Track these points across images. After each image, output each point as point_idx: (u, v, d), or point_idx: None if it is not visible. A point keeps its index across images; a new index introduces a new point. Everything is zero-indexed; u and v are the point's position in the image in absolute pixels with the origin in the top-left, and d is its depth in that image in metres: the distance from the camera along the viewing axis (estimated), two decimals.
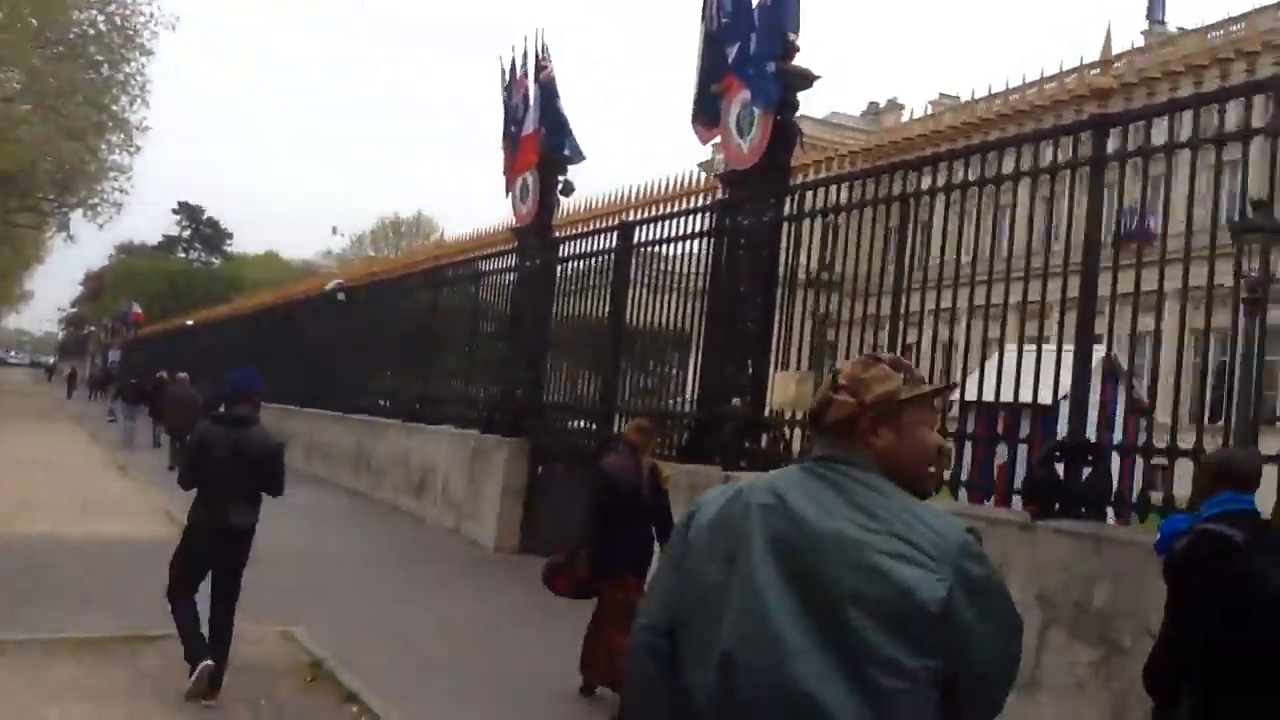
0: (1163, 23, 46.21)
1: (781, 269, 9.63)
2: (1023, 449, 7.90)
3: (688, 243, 10.92)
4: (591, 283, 12.55)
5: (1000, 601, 1.98)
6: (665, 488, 7.21)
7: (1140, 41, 40.34)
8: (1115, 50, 7.57)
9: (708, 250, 10.54)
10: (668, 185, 11.41)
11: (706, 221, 10.60)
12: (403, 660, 7.29)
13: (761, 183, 9.75)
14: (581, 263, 12.83)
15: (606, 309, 12.11)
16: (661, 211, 11.36)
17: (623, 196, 12.07)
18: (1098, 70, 7.40)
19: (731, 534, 2.02)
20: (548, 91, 13.31)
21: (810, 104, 9.76)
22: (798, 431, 9.09)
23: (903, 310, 8.38)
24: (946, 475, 7.71)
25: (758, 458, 9.34)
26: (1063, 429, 9.25)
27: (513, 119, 14.17)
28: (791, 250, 9.55)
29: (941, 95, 46.33)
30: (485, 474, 13.51)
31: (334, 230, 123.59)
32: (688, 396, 10.53)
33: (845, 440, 2.06)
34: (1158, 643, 3.72)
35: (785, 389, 9.25)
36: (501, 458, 13.20)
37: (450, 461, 14.81)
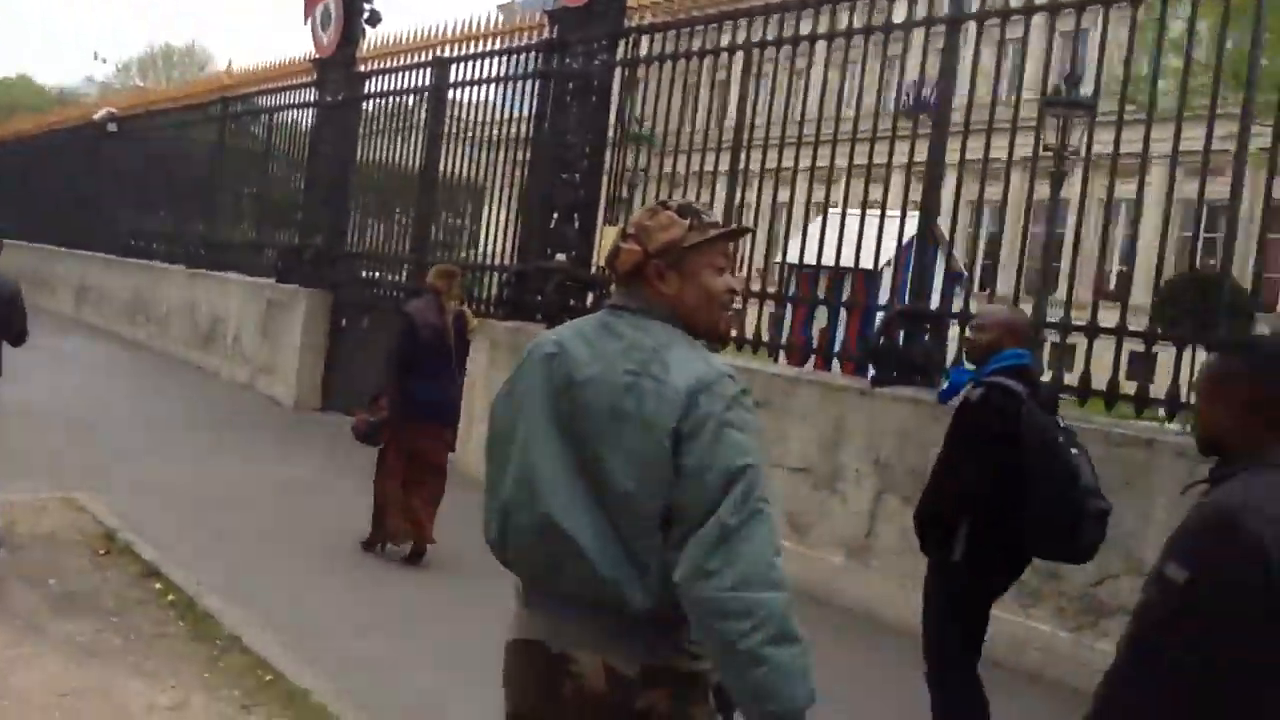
0: None
1: (613, 119, 9.14)
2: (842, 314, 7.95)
3: (511, 85, 10.23)
4: (402, 123, 11.68)
5: (723, 444, 1.93)
6: (470, 336, 7.02)
7: None
8: None
9: (533, 94, 9.89)
10: (489, 21, 10.61)
11: (532, 63, 9.92)
12: (202, 528, 6.68)
13: (595, 23, 9.13)
14: (391, 101, 11.90)
15: (419, 153, 11.31)
16: (482, 49, 10.58)
17: (439, 30, 11.17)
18: None
19: (520, 383, 2.14)
20: None
21: None
22: None
23: (741, 168, 8.11)
24: (766, 337, 7.66)
25: (580, 315, 8.99)
26: (884, 295, 9.36)
27: None
28: (627, 99, 9.05)
29: None
30: (282, 326, 12.65)
31: (96, 55, 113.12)
32: (507, 249, 10.00)
33: (635, 287, 2.11)
34: (936, 482, 4.10)
35: (606, 242, 8.86)
36: (300, 309, 12.36)
37: (243, 312, 13.81)
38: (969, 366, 4.34)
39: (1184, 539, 1.95)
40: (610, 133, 9.07)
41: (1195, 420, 2.28)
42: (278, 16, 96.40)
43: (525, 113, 9.99)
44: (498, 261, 10.13)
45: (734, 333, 7.51)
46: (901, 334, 6.73)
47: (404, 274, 11.37)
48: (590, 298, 9.13)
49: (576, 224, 9.29)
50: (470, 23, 10.69)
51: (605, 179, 9.06)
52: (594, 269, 9.07)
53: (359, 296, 12.01)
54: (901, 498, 6.21)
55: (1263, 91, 7.83)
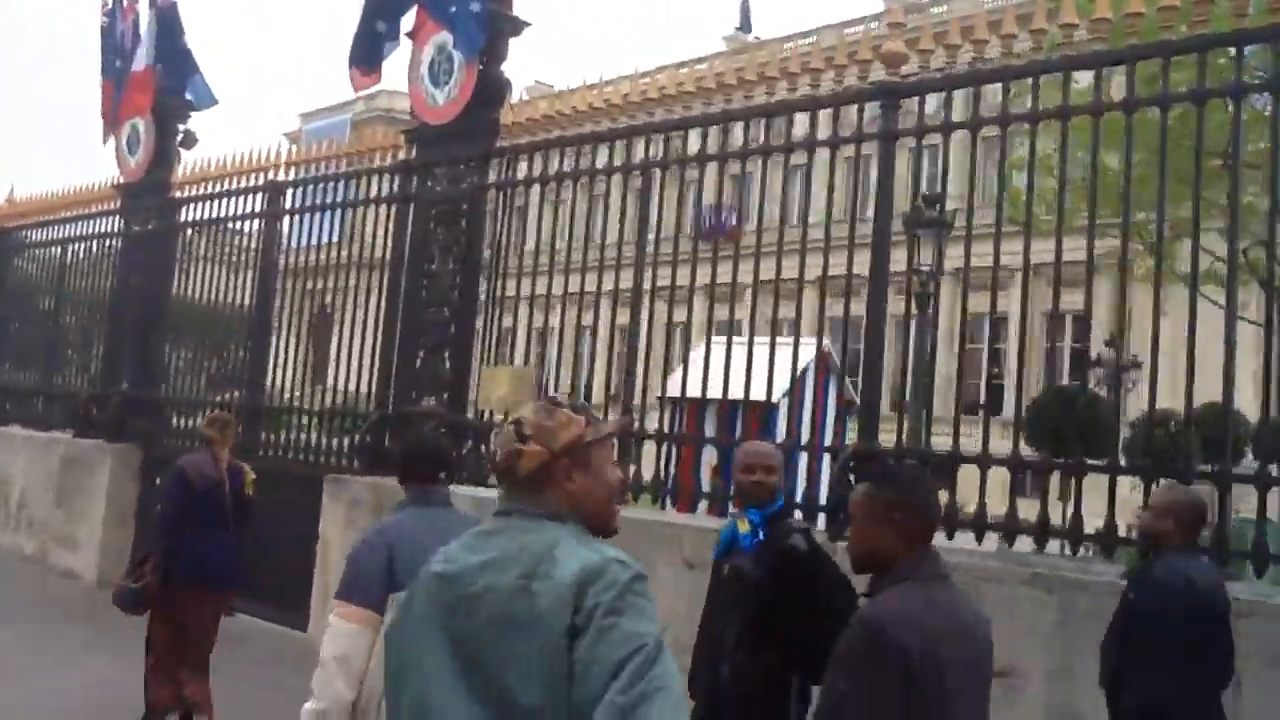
0: (746, 30, 48.96)
1: (491, 245, 8.25)
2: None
3: (363, 210, 9.20)
4: (228, 253, 10.41)
5: (610, 636, 1.85)
6: (248, 490, 6.52)
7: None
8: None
9: (389, 220, 8.90)
10: (329, 143, 9.61)
11: (386, 186, 8.95)
12: None
13: (461, 143, 8.28)
14: (214, 229, 10.61)
15: (248, 285, 10.06)
16: (325, 170, 9.55)
17: (270, 153, 10.07)
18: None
19: (410, 609, 2.07)
20: (167, 20, 10.90)
21: None
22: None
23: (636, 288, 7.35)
24: (643, 482, 6.87)
25: (456, 467, 7.90)
26: (780, 430, 8.67)
27: (116, 52, 11.55)
28: (503, 223, 8.19)
29: (537, 82, 45.06)
30: (82, 488, 10.90)
31: None
32: (362, 391, 8.84)
33: (536, 489, 2.07)
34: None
35: (494, 386, 7.88)
36: (104, 467, 10.69)
37: (29, 472, 11.91)
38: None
39: (842, 651, 2.28)
40: (492, 265, 8.16)
41: (850, 540, 2.70)
42: (39, 146, 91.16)
43: (376, 240, 8.99)
44: (349, 405, 8.94)
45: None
46: (841, 476, 6.00)
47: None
48: (467, 446, 8.07)
49: (448, 363, 8.26)
50: (311, 142, 9.64)
51: (483, 313, 8.11)
52: (471, 414, 8.04)
53: (176, 450, 10.46)
54: None
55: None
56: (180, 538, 6.09)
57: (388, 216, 8.87)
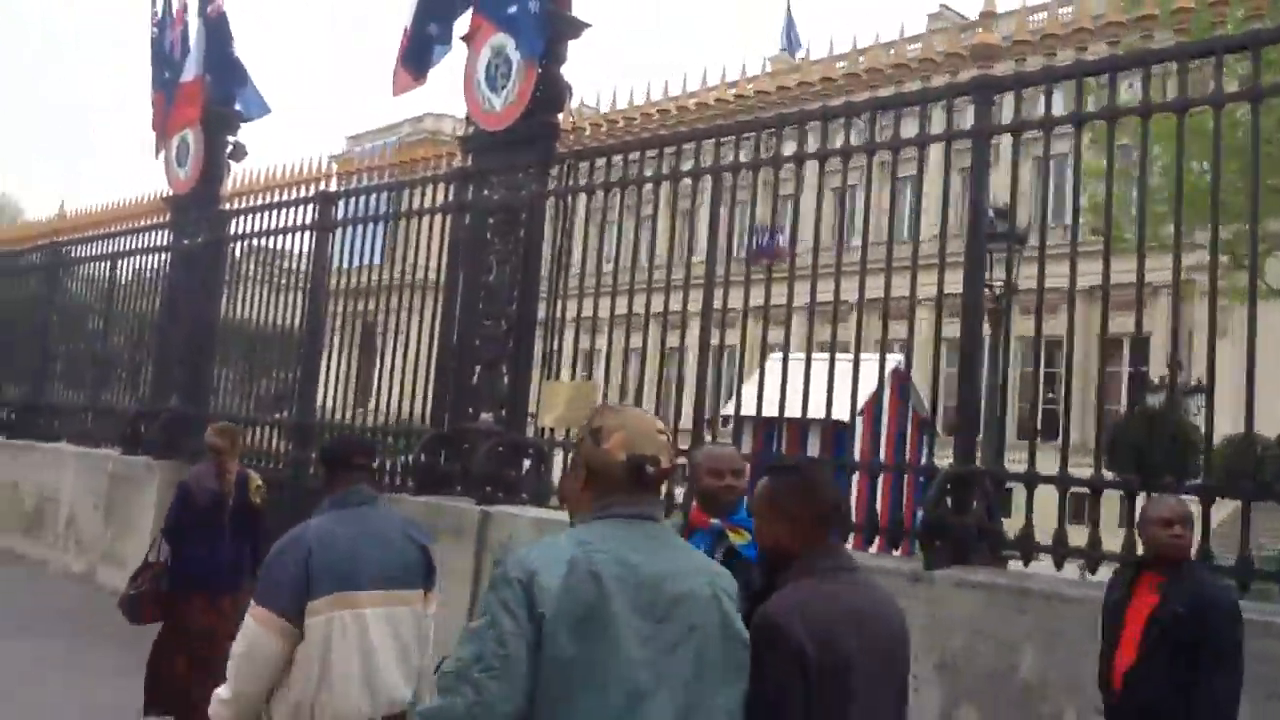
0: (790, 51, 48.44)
1: (550, 254, 7.91)
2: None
3: (417, 220, 8.90)
4: (278, 266, 10.16)
5: None
6: (256, 499, 6.58)
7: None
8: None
9: (444, 230, 8.60)
10: (384, 151, 9.33)
11: (440, 195, 8.64)
12: None
13: (519, 149, 7.96)
14: (265, 241, 10.37)
15: (300, 297, 9.80)
16: (377, 181, 9.27)
17: (320, 164, 9.82)
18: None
19: (590, 607, 2.19)
20: (217, 30, 10.72)
21: None
22: (564, 456, 7.44)
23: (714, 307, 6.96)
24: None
25: (515, 488, 7.57)
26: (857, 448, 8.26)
27: (165, 63, 11.39)
28: (562, 232, 7.85)
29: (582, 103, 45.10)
30: (132, 506, 10.68)
31: None
32: (417, 408, 8.52)
33: (657, 495, 2.49)
34: None
35: (556, 402, 7.54)
36: (153, 485, 10.45)
37: (78, 489, 11.73)
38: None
39: (751, 644, 2.39)
40: (552, 275, 7.83)
41: (755, 536, 2.80)
42: (96, 167, 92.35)
43: (429, 253, 8.68)
44: (403, 423, 8.62)
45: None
46: (949, 501, 5.56)
47: (287, 439, 9.69)
48: (525, 466, 7.73)
49: (506, 378, 7.92)
50: (365, 151, 9.36)
51: (543, 325, 7.76)
52: (532, 432, 7.69)
53: None
54: (978, 708, 4.99)
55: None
56: (181, 547, 6.28)
57: (442, 227, 8.57)
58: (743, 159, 6.98)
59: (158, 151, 11.60)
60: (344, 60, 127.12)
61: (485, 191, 8.24)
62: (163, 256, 11.63)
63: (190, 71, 10.76)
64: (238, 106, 10.92)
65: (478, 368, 8.11)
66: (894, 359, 9.59)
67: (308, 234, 9.77)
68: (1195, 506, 4.53)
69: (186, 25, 11.01)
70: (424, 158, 8.88)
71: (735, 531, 3.57)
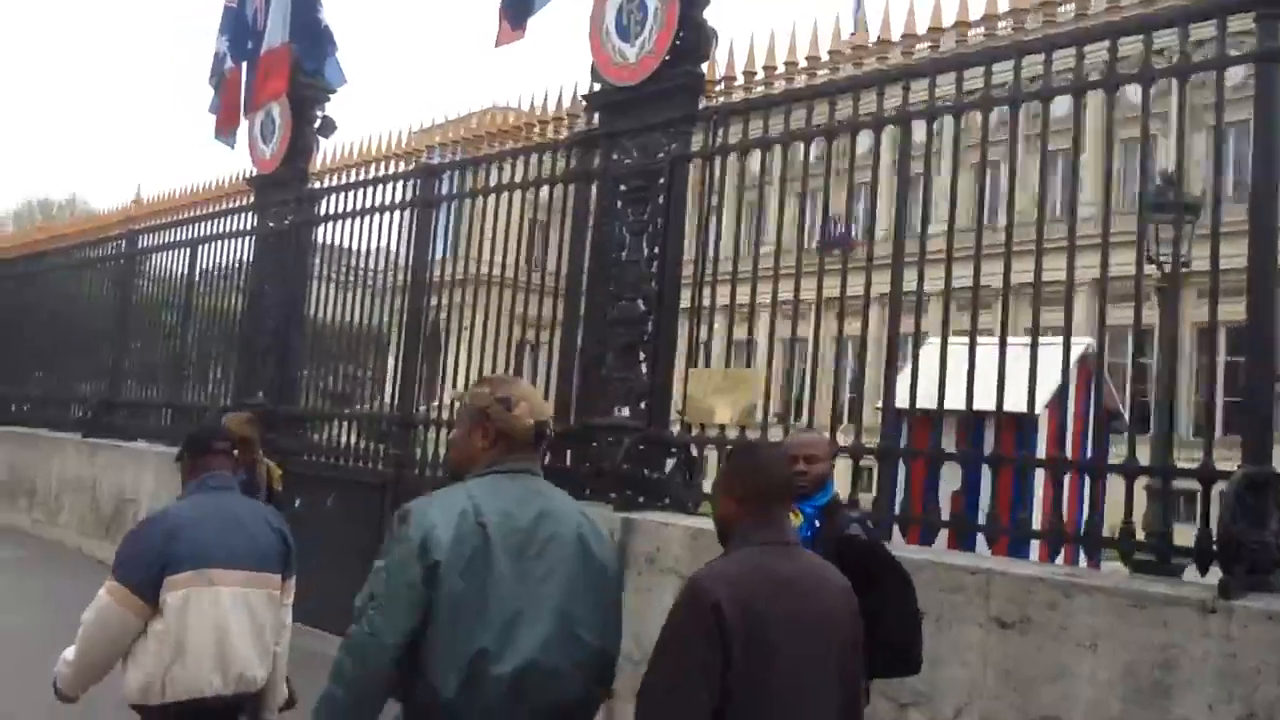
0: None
1: (690, 225, 6.94)
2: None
3: (531, 191, 7.97)
4: (375, 246, 9.29)
5: None
6: (276, 486, 6.45)
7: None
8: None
9: (563, 201, 7.66)
10: (495, 116, 8.40)
11: (565, 161, 7.70)
12: None
13: (657, 106, 6.97)
14: (357, 222, 9.50)
15: (401, 281, 8.93)
16: (489, 151, 8.35)
17: (421, 129, 8.94)
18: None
19: (476, 549, 2.71)
20: None
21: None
22: (713, 455, 6.46)
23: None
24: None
25: (656, 491, 6.60)
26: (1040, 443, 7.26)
27: (245, 31, 10.56)
28: (706, 199, 6.87)
29: None
30: None
31: None
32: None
33: (541, 453, 3.06)
34: None
35: (707, 393, 6.56)
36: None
37: (159, 490, 10.96)
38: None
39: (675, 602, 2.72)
40: (689, 243, 6.85)
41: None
42: (166, 170, 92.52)
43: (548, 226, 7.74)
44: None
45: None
46: (1236, 510, 4.48)
47: (384, 438, 8.84)
48: (668, 466, 6.76)
49: (644, 366, 6.95)
50: (472, 116, 8.47)
51: (689, 305, 6.78)
52: (678, 427, 6.72)
53: (319, 467, 9.39)
54: None
55: None
56: None
57: (563, 197, 7.62)
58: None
59: (218, 134, 10.80)
60: (404, 46, 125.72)
61: (615, 156, 7.27)
62: (247, 241, 10.81)
63: (276, 39, 9.92)
64: (325, 76, 10.06)
65: (609, 355, 7.15)
66: (1079, 345, 8.50)
67: (407, 213, 8.90)
68: None
69: None
70: (541, 121, 7.90)
71: (793, 513, 3.58)
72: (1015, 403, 5.39)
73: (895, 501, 5.85)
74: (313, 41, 9.89)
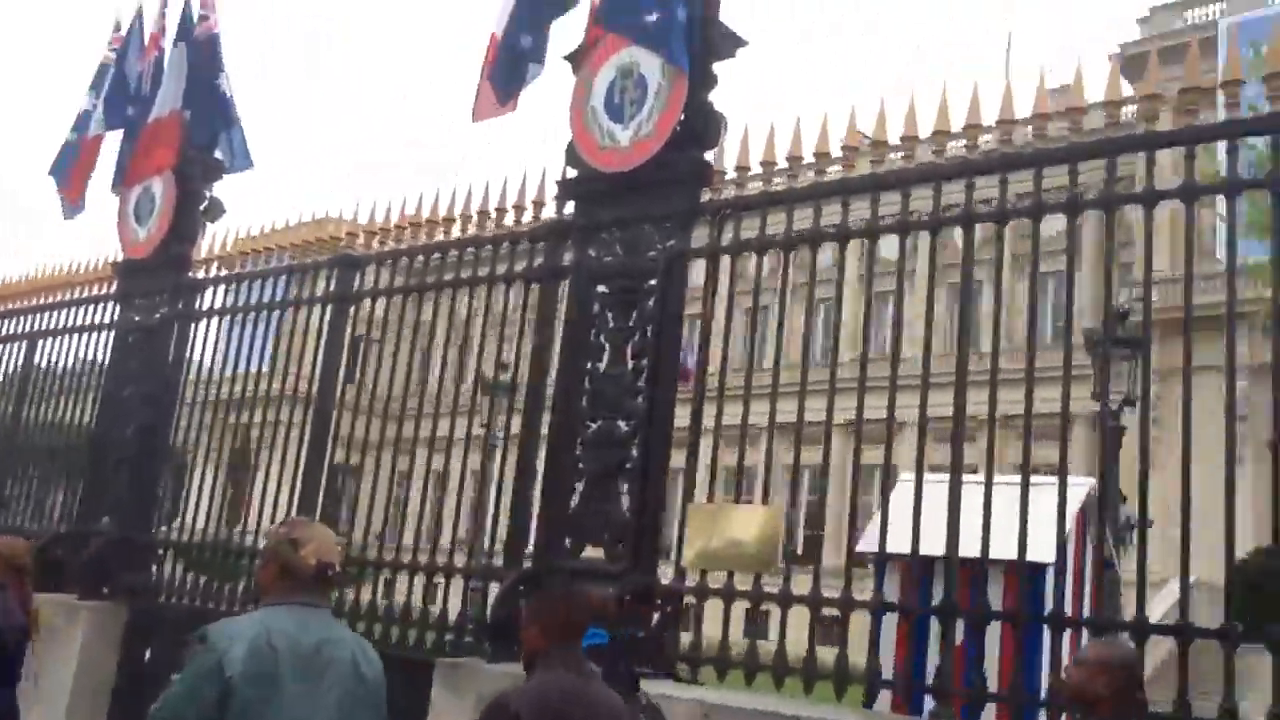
0: None
1: (693, 333, 5.93)
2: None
3: (485, 289, 6.83)
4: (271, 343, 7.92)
5: None
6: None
7: None
8: None
9: (523, 299, 6.56)
10: (430, 202, 7.27)
11: (529, 257, 6.61)
12: None
13: (652, 197, 6.01)
14: (248, 318, 8.10)
15: (310, 382, 7.56)
16: (418, 242, 7.20)
17: (343, 216, 7.73)
18: None
19: (266, 669, 3.17)
20: (204, 56, 8.61)
21: None
22: (718, 607, 5.35)
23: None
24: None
25: (643, 652, 5.39)
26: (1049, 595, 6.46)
27: (128, 96, 9.19)
28: (709, 303, 5.89)
29: None
30: (43, 661, 8.00)
31: None
32: (486, 535, 6.34)
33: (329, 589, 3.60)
34: None
35: (710, 532, 5.45)
36: (75, 635, 7.87)
37: None
38: None
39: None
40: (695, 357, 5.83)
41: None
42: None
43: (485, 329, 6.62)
44: (476, 560, 6.40)
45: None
46: None
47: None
48: (655, 618, 5.57)
49: (627, 498, 5.80)
50: (403, 203, 7.30)
51: (690, 424, 5.71)
52: (675, 576, 5.55)
53: (183, 610, 7.71)
54: None
55: None
56: None
57: (523, 303, 6.53)
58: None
59: (70, 204, 9.32)
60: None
61: (592, 252, 6.25)
62: (104, 336, 9.19)
63: (165, 104, 8.58)
64: (218, 154, 8.77)
65: (579, 484, 5.98)
66: (1078, 487, 7.82)
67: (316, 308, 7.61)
68: None
69: (162, 53, 8.87)
70: (500, 209, 6.82)
71: None
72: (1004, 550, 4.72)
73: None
74: (208, 112, 8.60)
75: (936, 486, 5.12)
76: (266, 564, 3.45)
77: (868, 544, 7.72)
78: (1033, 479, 4.84)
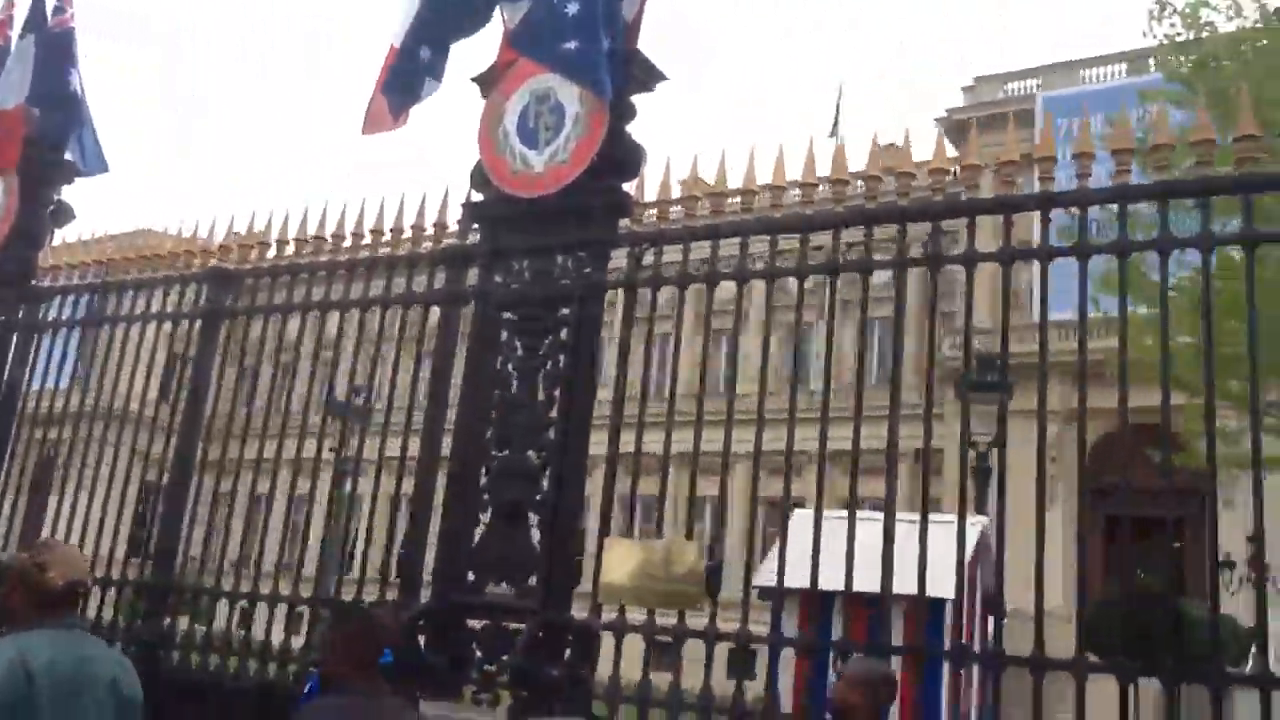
0: None
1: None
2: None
3: (379, 311, 6.58)
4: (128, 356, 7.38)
5: None
6: None
7: None
8: None
9: (420, 335, 6.35)
10: (322, 217, 6.97)
11: (427, 280, 6.41)
12: None
13: (566, 224, 5.93)
14: (108, 331, 7.55)
15: (167, 408, 7.08)
16: (306, 258, 6.89)
17: (217, 230, 7.30)
18: None
19: (22, 693, 3.15)
20: (55, 49, 8.00)
21: None
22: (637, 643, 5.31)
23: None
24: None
25: (557, 691, 5.28)
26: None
27: None
28: (625, 334, 5.84)
29: None
30: None
31: None
32: (381, 561, 6.06)
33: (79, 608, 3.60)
34: None
35: (629, 569, 5.38)
36: None
37: None
38: None
39: None
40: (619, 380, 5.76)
41: None
42: None
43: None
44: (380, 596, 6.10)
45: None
46: None
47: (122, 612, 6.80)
48: (569, 652, 5.46)
49: (536, 532, 5.66)
50: (283, 216, 6.97)
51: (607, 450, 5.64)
52: (591, 610, 5.45)
53: None
54: None
55: None
56: None
57: (420, 329, 6.32)
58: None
59: None
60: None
61: (499, 278, 6.11)
62: None
63: (9, 98, 7.92)
64: (68, 155, 8.16)
65: (484, 516, 5.81)
66: (976, 525, 8.10)
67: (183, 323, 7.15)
68: None
69: (10, 41, 8.18)
70: (395, 230, 6.58)
71: None
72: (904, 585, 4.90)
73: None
74: (58, 109, 8.00)
75: (835, 522, 5.29)
76: (13, 589, 3.40)
77: (764, 578, 7.82)
78: (931, 516, 5.04)
